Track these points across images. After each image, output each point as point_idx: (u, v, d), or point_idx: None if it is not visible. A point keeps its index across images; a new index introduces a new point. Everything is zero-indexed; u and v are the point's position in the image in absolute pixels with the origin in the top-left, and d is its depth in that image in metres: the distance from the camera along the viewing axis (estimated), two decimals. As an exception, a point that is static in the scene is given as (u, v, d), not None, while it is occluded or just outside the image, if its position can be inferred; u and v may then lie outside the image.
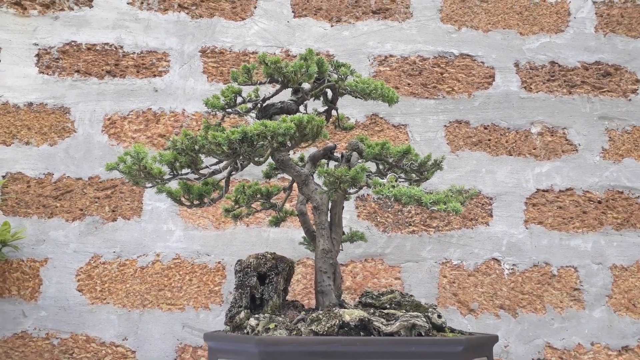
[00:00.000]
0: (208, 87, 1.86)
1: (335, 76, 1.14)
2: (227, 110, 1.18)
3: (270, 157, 1.19)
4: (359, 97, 1.12)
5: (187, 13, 1.90)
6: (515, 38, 1.92)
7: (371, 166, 1.20)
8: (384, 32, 1.92)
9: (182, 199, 1.15)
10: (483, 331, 1.69)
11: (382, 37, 1.91)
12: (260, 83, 1.14)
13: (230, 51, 1.89)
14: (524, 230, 1.78)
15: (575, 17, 1.94)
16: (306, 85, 1.23)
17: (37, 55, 1.86)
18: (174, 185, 1.17)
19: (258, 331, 0.98)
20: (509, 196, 1.81)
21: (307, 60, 1.03)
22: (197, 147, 0.98)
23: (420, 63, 1.90)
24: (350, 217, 1.76)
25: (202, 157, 1.11)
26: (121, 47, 1.88)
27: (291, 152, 1.82)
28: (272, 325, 0.98)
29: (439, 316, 1.02)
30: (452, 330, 1.05)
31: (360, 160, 1.16)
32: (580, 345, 1.70)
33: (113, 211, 1.77)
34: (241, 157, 1.06)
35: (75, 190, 1.78)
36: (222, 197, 1.18)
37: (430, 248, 1.76)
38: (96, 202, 1.77)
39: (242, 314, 1.04)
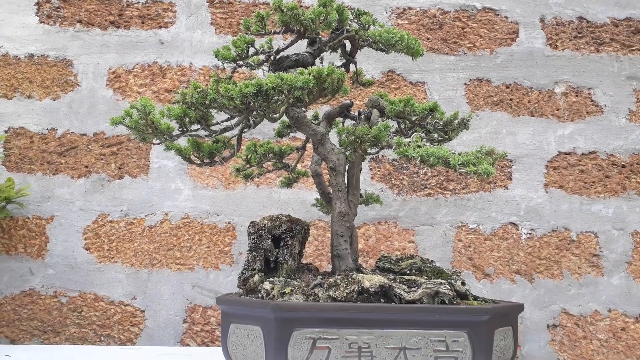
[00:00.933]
0: (216, 40, 1.77)
1: (356, 26, 1.05)
2: (238, 62, 1.10)
3: (284, 114, 1.12)
4: (381, 49, 1.04)
5: (194, -40, 1.79)
6: (542, -9, 1.81)
7: (392, 125, 1.13)
8: (403, -18, 1.80)
9: (192, 157, 1.09)
10: (498, 296, 1.66)
11: (401, -12, 1.80)
12: (275, 33, 1.06)
13: (239, 1, 1.79)
14: (543, 194, 1.72)
15: (607, -31, 1.82)
16: (324, 38, 1.15)
17: (37, 3, 1.77)
18: (182, 142, 1.11)
19: (273, 295, 0.94)
20: (529, 159, 1.74)
21: (327, 6, 0.94)
22: (207, 102, 0.91)
23: (441, 17, 1.79)
24: (363, 179, 1.70)
25: (213, 112, 1.05)
26: (125, -4, 1.78)
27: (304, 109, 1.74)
28: (287, 290, 0.94)
29: (463, 283, 0.97)
30: (476, 298, 1.00)
31: (380, 119, 1.09)
32: (597, 312, 1.67)
33: (119, 168, 1.71)
34: (254, 113, 1.00)
35: (80, 146, 1.72)
36: (234, 156, 1.12)
37: (446, 211, 1.71)
38: (102, 159, 1.71)
39: (255, 277, 1.00)
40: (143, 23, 1.78)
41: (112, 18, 1.78)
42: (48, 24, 1.77)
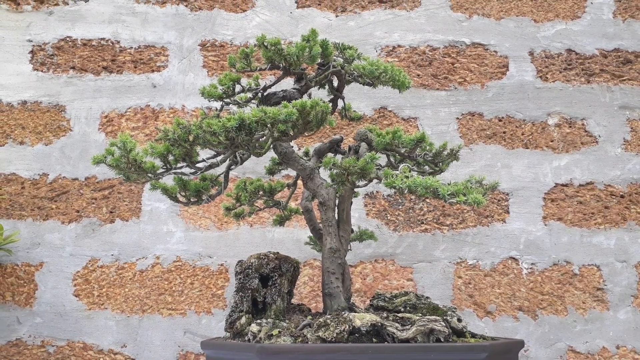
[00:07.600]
0: (208, 82, 1.78)
1: (341, 60, 1.05)
2: (225, 100, 1.10)
3: (272, 150, 1.11)
4: (367, 83, 1.03)
5: (186, 5, 1.82)
6: (529, 25, 1.83)
7: (381, 159, 1.12)
8: (392, 21, 1.83)
9: (179, 195, 1.07)
10: (501, 335, 1.60)
11: (390, 27, 1.82)
12: (260, 69, 1.06)
13: (231, 44, 1.81)
14: (542, 227, 1.68)
15: (592, 2, 1.85)
16: (310, 74, 1.15)
17: (31, 51, 1.79)
18: (170, 181, 1.09)
19: (260, 338, 0.89)
20: (526, 191, 1.71)
21: (310, 41, 0.94)
22: (191, 138, 0.89)
23: (430, 53, 1.81)
24: (359, 216, 1.68)
25: (199, 149, 1.03)
26: (118, 42, 1.81)
27: (296, 147, 1.73)
28: (275, 332, 0.89)
29: (459, 320, 0.93)
30: (474, 335, 0.95)
31: (369, 152, 1.07)
32: (605, 349, 1.60)
33: (111, 212, 1.69)
34: (240, 149, 0.98)
35: (72, 191, 1.70)
36: (221, 194, 1.10)
37: (444, 247, 1.67)
38: (93, 203, 1.69)
39: (242, 320, 0.96)
40: (135, 67, 1.79)
41: (105, 63, 1.80)
42: (42, 71, 1.79)
